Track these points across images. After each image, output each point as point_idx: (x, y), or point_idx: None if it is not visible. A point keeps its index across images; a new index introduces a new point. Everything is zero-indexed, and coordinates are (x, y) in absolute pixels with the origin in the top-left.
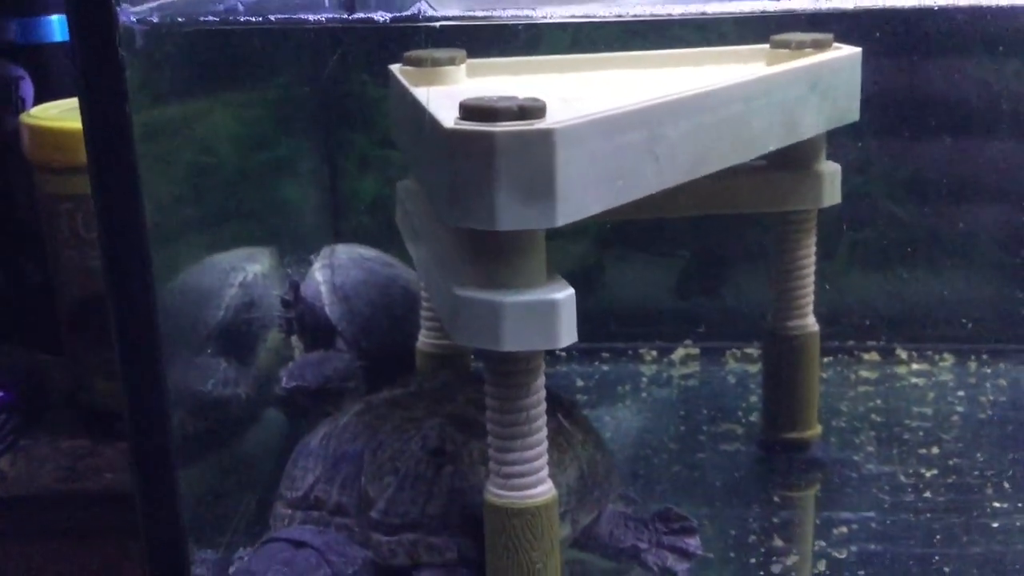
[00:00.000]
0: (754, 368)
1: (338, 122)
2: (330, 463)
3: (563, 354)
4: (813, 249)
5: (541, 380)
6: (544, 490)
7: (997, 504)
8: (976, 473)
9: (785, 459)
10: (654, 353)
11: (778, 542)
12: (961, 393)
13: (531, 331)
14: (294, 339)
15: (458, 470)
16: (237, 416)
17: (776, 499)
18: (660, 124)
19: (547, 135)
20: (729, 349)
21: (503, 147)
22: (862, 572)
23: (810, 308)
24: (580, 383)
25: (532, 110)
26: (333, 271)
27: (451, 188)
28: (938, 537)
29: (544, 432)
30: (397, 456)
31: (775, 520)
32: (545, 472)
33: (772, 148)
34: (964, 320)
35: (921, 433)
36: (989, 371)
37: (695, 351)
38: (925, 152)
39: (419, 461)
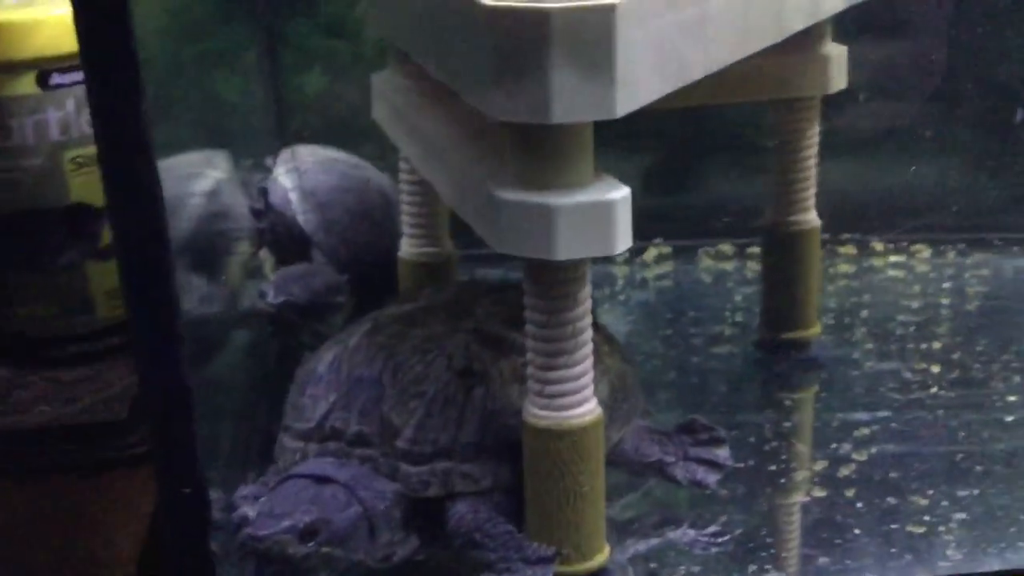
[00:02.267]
0: (729, 266)
1: (278, 7)
2: (344, 389)
3: None
4: (816, 139)
5: (588, 289)
6: (590, 408)
7: (1011, 398)
8: (979, 367)
9: (786, 360)
10: (625, 253)
11: (800, 447)
12: (946, 285)
13: (586, 236)
14: (263, 252)
15: (489, 391)
16: (213, 337)
17: (787, 402)
18: (707, 0)
19: (607, 12)
20: (701, 247)
21: (559, 27)
22: (894, 474)
23: (812, 202)
24: None
25: None
26: (300, 176)
27: (494, 76)
28: (962, 434)
29: (590, 347)
30: (421, 379)
31: (788, 424)
32: (591, 390)
33: (800, 27)
34: (939, 210)
35: (913, 328)
36: (968, 261)
37: (667, 250)
38: (898, 41)
39: (446, 383)
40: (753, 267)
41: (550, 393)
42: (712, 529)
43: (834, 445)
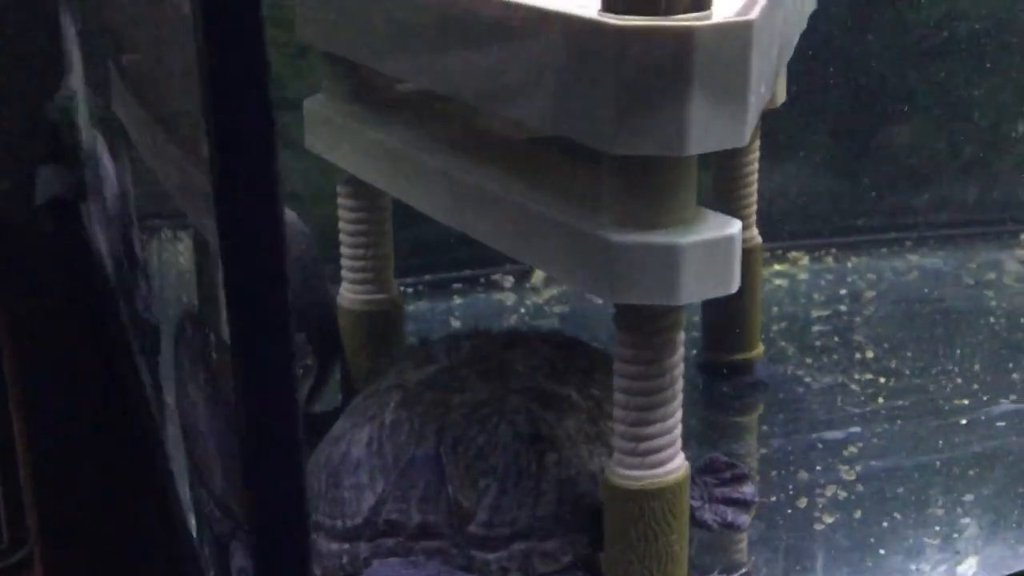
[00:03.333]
0: None
1: None
2: (395, 474)
3: (410, 291)
4: (757, 155)
5: (682, 334)
6: (681, 462)
7: (958, 401)
8: (918, 371)
9: (731, 383)
10: (510, 279)
11: (785, 473)
12: (843, 291)
13: (706, 276)
14: None
15: (562, 456)
16: None
17: (750, 428)
18: (774, 14)
19: (746, 29)
20: None
21: (702, 47)
22: (891, 489)
23: (753, 219)
24: (451, 323)
25: None
26: None
27: (619, 106)
28: (940, 442)
29: (681, 397)
30: (487, 451)
31: (764, 451)
32: (680, 443)
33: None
34: (807, 216)
35: (836, 338)
36: (849, 266)
37: None
38: None
39: (516, 453)
40: None
41: (644, 451)
42: (744, 571)
43: (819, 467)
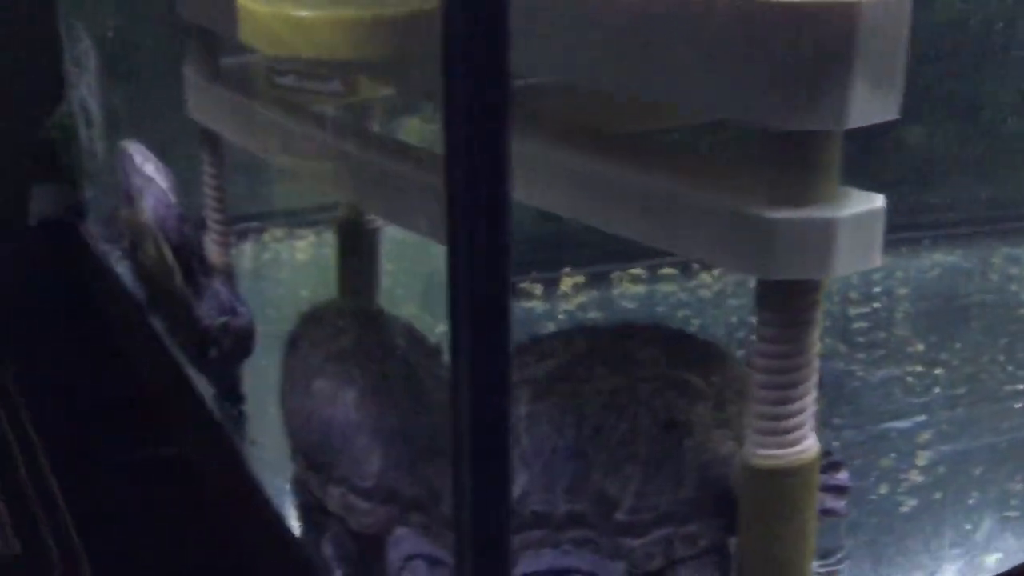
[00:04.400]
0: (642, 289)
1: None
2: (539, 466)
3: None
4: None
5: (820, 312)
6: (813, 440)
7: (1011, 387)
8: (967, 361)
9: None
10: (539, 287)
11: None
12: (877, 289)
13: (856, 249)
14: None
15: (697, 442)
16: None
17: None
18: None
19: (904, 3)
20: (612, 272)
21: (867, 21)
22: (965, 471)
23: None
24: None
25: None
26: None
27: (786, 81)
28: (1004, 424)
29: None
30: (628, 439)
31: (836, 443)
32: (812, 421)
33: None
34: None
35: (882, 333)
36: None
37: (580, 279)
38: None
39: (656, 440)
40: (666, 288)
41: (784, 429)
42: (839, 555)
43: (894, 455)
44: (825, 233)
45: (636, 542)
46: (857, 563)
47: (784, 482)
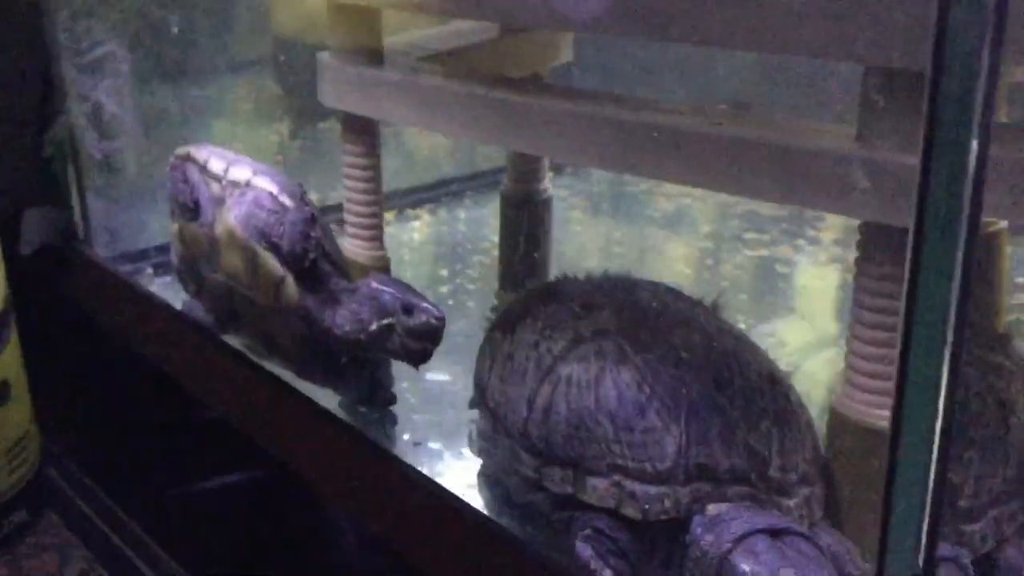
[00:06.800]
0: None
1: None
2: (684, 418)
3: None
4: None
5: None
6: None
7: None
8: None
9: None
10: None
11: None
12: None
13: None
14: None
15: (1021, 420)
16: None
17: None
18: None
19: None
20: None
21: None
22: None
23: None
24: None
25: None
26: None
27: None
28: None
29: None
30: (751, 394)
31: None
32: None
33: None
34: None
35: None
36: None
37: None
38: None
39: (991, 422)
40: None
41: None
42: None
43: None
44: None
45: (791, 502)
46: None
47: None
